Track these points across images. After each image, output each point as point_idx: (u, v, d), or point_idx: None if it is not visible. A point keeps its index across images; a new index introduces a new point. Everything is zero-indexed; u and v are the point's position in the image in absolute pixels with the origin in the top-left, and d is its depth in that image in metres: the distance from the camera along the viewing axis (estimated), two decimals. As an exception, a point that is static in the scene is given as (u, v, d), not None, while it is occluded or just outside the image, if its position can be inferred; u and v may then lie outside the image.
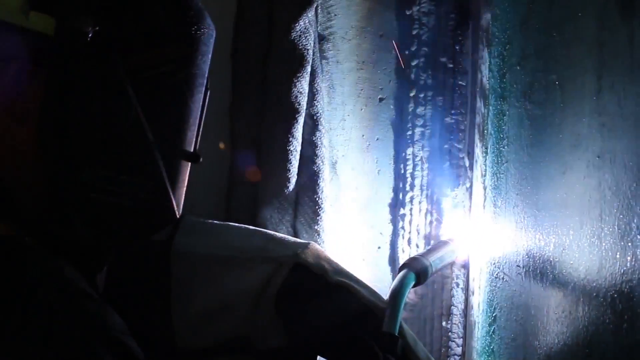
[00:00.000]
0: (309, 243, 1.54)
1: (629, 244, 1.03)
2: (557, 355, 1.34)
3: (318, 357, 1.65)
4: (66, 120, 1.19)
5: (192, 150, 1.36)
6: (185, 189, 1.36)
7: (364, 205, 2.07)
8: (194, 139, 1.36)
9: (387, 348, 1.36)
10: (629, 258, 1.03)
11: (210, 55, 1.37)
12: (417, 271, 1.61)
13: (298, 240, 1.59)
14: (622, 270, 1.05)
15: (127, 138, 1.22)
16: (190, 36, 1.31)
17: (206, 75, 1.36)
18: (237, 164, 1.91)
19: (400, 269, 1.63)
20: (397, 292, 1.51)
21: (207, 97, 1.38)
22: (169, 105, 1.30)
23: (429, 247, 1.87)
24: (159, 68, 1.27)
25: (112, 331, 1.17)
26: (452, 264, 1.92)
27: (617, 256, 1.06)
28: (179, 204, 1.35)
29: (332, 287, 1.47)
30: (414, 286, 1.60)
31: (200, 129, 1.37)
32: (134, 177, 1.26)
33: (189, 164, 1.36)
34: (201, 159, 1.35)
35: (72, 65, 1.19)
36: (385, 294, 1.53)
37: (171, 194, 1.30)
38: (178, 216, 1.34)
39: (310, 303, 1.47)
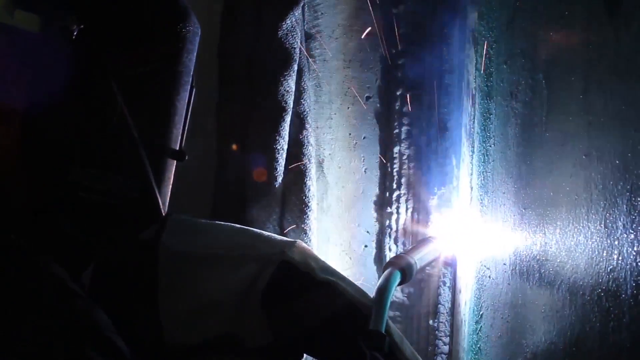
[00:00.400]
0: (295, 241, 1.54)
1: (616, 242, 1.03)
2: (544, 353, 1.34)
3: (305, 355, 1.65)
4: (51, 119, 1.19)
5: (177, 148, 1.36)
6: (171, 186, 1.37)
7: (351, 203, 2.08)
8: (180, 137, 1.36)
9: (374, 346, 1.36)
10: (615, 256, 1.03)
11: (195, 54, 1.37)
12: (402, 269, 1.62)
13: (284, 238, 1.59)
14: (608, 269, 1.05)
15: (112, 136, 1.22)
16: (175, 34, 1.31)
17: (192, 74, 1.37)
18: (224, 163, 1.91)
19: (385, 267, 1.64)
20: (383, 290, 1.51)
21: (193, 95, 1.39)
22: (154, 104, 1.30)
23: (413, 245, 1.88)
24: (145, 66, 1.27)
25: (98, 328, 1.17)
26: (436, 261, 1.92)
27: (604, 254, 1.07)
28: (164, 202, 1.35)
29: (318, 284, 1.47)
30: (400, 284, 1.60)
31: (186, 127, 1.37)
32: (120, 175, 1.26)
33: (175, 162, 1.36)
34: (187, 157, 1.35)
35: (57, 64, 1.18)
36: (372, 292, 1.53)
37: (157, 191, 1.30)
38: (164, 214, 1.34)
39: (297, 301, 1.47)
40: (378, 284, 1.54)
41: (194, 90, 1.39)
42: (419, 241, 1.89)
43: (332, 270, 1.53)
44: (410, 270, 1.64)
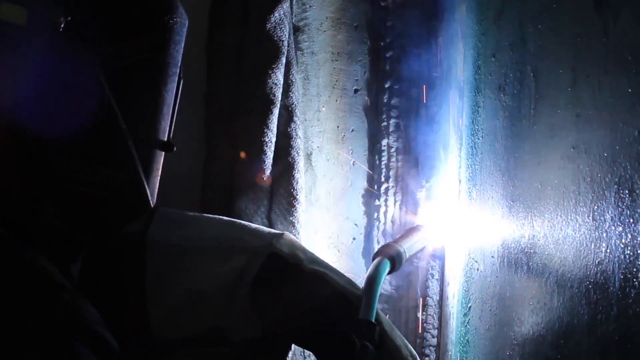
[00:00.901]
0: (283, 233, 1.54)
1: (604, 234, 1.03)
2: (532, 346, 1.34)
3: (293, 345, 1.65)
4: (39, 112, 1.18)
5: (165, 139, 1.35)
6: (159, 178, 1.36)
7: (339, 196, 2.07)
8: (168, 128, 1.36)
9: (364, 335, 1.36)
10: (603, 249, 1.03)
11: (183, 45, 1.37)
12: (391, 257, 1.62)
13: (272, 230, 1.59)
14: (596, 261, 1.05)
15: (100, 128, 1.22)
16: (162, 26, 1.31)
17: (179, 65, 1.36)
18: (212, 155, 1.90)
19: (375, 256, 1.64)
20: (373, 279, 1.51)
21: (181, 86, 1.38)
22: (142, 95, 1.30)
23: (401, 234, 1.87)
24: (132, 58, 1.26)
25: (85, 321, 1.17)
26: (425, 249, 1.92)
27: (592, 247, 1.07)
28: (153, 193, 1.34)
29: (307, 275, 1.47)
30: (389, 273, 1.60)
31: (174, 118, 1.37)
32: (108, 167, 1.26)
33: (163, 153, 1.36)
34: (175, 148, 1.35)
35: (44, 56, 1.18)
36: (360, 284, 1.53)
37: (145, 183, 1.30)
38: (152, 205, 1.34)
39: (286, 292, 1.47)
40: (367, 273, 1.54)
41: (182, 81, 1.39)
42: (408, 230, 1.89)
43: (321, 261, 1.53)
44: (400, 258, 1.64)
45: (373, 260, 1.62)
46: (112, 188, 1.27)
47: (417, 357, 1.47)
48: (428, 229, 1.87)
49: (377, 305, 1.44)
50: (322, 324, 1.45)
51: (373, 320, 1.39)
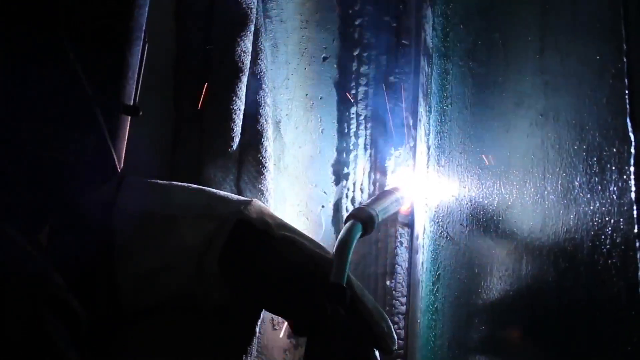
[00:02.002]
0: (251, 200, 1.54)
1: (572, 202, 1.04)
2: (500, 313, 1.35)
3: (263, 314, 1.65)
4: (2, 77, 1.17)
5: (131, 103, 1.35)
6: (125, 142, 1.36)
7: (308, 164, 2.07)
8: (134, 93, 1.35)
9: (335, 299, 1.35)
10: (572, 216, 1.04)
11: (147, 9, 1.36)
12: (363, 221, 1.59)
13: (241, 197, 1.58)
14: (565, 229, 1.06)
15: (65, 93, 1.21)
16: None
17: (143, 29, 1.35)
18: (181, 123, 1.89)
19: (347, 219, 1.61)
20: (344, 243, 1.49)
21: (146, 51, 1.37)
22: (106, 59, 1.29)
23: (374, 196, 1.85)
24: (96, 22, 1.25)
25: (52, 289, 1.16)
26: (397, 213, 1.92)
27: (560, 214, 1.07)
28: (120, 158, 1.34)
29: (276, 241, 1.47)
30: (362, 236, 1.58)
31: (140, 83, 1.36)
32: (74, 131, 1.25)
33: (129, 117, 1.35)
34: (141, 113, 1.34)
35: (6, 23, 1.16)
36: (330, 250, 1.52)
37: (112, 147, 1.29)
38: (119, 170, 1.33)
39: (255, 257, 1.46)
40: (339, 237, 1.52)
41: (147, 45, 1.38)
42: (380, 193, 1.87)
43: (290, 226, 1.53)
44: (372, 222, 1.62)
45: (345, 223, 1.60)
46: (78, 153, 1.26)
47: (389, 321, 1.47)
48: (401, 192, 1.85)
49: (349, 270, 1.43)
50: (292, 288, 1.44)
51: (344, 284, 1.39)
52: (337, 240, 1.51)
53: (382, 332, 1.43)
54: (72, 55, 1.19)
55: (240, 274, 1.46)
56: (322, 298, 1.35)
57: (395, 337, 1.46)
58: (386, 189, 1.91)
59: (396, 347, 1.46)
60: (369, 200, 1.77)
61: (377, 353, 1.46)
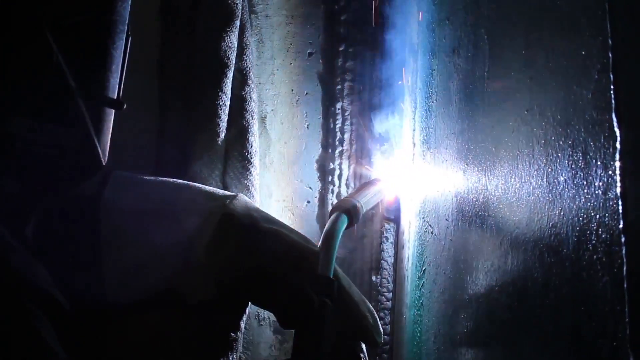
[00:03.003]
0: (237, 195, 1.54)
1: (558, 197, 1.04)
2: (486, 309, 1.35)
3: (248, 309, 1.65)
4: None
5: (115, 97, 1.35)
6: (110, 136, 1.36)
7: (293, 159, 2.07)
8: (117, 86, 1.36)
9: (322, 291, 1.35)
10: (557, 211, 1.04)
11: (130, 2, 1.36)
12: (348, 212, 1.59)
13: (226, 192, 1.58)
14: (550, 224, 1.06)
15: (49, 86, 1.21)
16: None
17: (127, 22, 1.35)
18: (167, 118, 1.89)
19: (332, 211, 1.61)
20: (331, 235, 1.49)
21: (129, 44, 1.38)
22: (90, 53, 1.29)
23: (357, 187, 1.85)
24: (79, 15, 1.25)
25: (35, 281, 1.17)
26: (381, 203, 1.92)
27: (546, 209, 1.07)
28: (104, 151, 1.34)
29: (262, 234, 1.47)
30: (347, 227, 1.58)
31: (124, 76, 1.36)
32: (58, 125, 1.25)
33: (113, 111, 1.35)
34: (125, 106, 1.34)
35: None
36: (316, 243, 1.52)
37: (96, 140, 1.29)
38: (104, 163, 1.33)
39: (241, 251, 1.46)
40: (325, 229, 1.52)
41: (130, 38, 1.38)
42: (363, 183, 1.87)
43: (275, 220, 1.53)
44: (357, 213, 1.62)
45: (330, 215, 1.60)
46: (63, 147, 1.26)
47: (375, 313, 1.47)
48: (383, 182, 1.85)
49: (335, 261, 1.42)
50: (279, 281, 1.44)
51: (331, 276, 1.38)
52: (323, 232, 1.50)
53: (368, 324, 1.44)
54: (56, 48, 1.19)
55: (226, 268, 1.46)
56: (309, 290, 1.34)
57: (382, 329, 1.46)
58: (370, 179, 1.91)
59: (382, 340, 1.46)
60: (353, 191, 1.77)
61: (363, 346, 1.46)
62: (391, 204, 2.03)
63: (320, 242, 1.47)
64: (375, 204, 1.78)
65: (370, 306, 1.48)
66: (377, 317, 1.46)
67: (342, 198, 1.70)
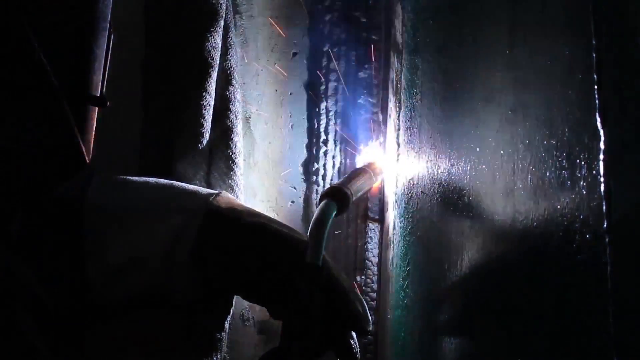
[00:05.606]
0: (220, 192, 1.53)
1: (542, 197, 1.04)
2: (470, 311, 1.35)
3: (232, 310, 1.65)
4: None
5: (98, 94, 1.35)
6: (93, 134, 1.36)
7: (278, 160, 2.08)
8: (100, 83, 1.35)
9: (311, 280, 1.34)
10: (541, 212, 1.04)
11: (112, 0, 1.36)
12: (337, 199, 1.57)
13: (209, 190, 1.58)
14: (534, 224, 1.06)
15: (31, 85, 1.21)
16: None
17: (109, 19, 1.35)
18: (151, 118, 1.88)
19: (321, 199, 1.59)
20: (320, 222, 1.47)
21: (112, 42, 1.38)
22: (72, 50, 1.29)
23: (346, 175, 1.83)
24: (60, 13, 1.25)
25: (19, 281, 1.16)
26: (369, 191, 1.92)
27: (530, 209, 1.08)
28: (88, 149, 1.34)
29: (247, 227, 1.46)
30: (336, 215, 1.55)
31: (106, 74, 1.36)
32: (41, 124, 1.24)
33: (96, 109, 1.35)
34: (108, 103, 1.34)
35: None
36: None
37: (79, 138, 1.29)
38: (88, 161, 1.33)
39: (228, 246, 1.45)
40: (314, 217, 1.49)
41: (112, 36, 1.37)
42: (352, 171, 1.85)
43: (260, 213, 1.52)
44: (346, 200, 1.59)
45: (319, 203, 1.57)
46: (45, 145, 1.25)
47: (364, 302, 1.46)
48: (372, 169, 1.83)
49: (324, 250, 1.41)
50: (267, 273, 1.44)
51: (320, 264, 1.37)
52: (312, 220, 1.48)
53: (358, 312, 1.43)
54: (37, 46, 1.19)
55: (213, 264, 1.46)
56: (297, 280, 1.34)
57: (370, 318, 1.46)
58: (358, 167, 1.88)
59: (371, 328, 1.45)
60: (341, 179, 1.75)
61: (353, 334, 1.45)
62: (378, 190, 2.03)
63: (309, 230, 1.46)
64: (365, 191, 1.76)
65: (360, 295, 1.47)
66: (365, 305, 1.45)
67: (332, 185, 1.67)
